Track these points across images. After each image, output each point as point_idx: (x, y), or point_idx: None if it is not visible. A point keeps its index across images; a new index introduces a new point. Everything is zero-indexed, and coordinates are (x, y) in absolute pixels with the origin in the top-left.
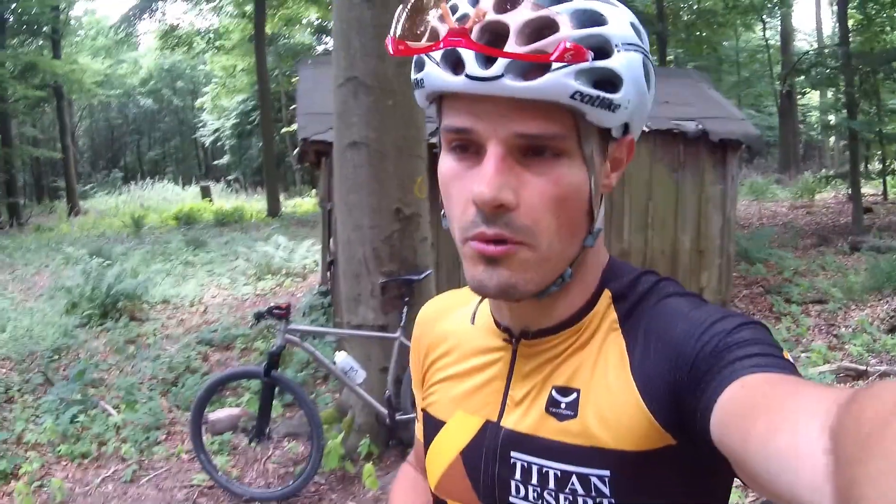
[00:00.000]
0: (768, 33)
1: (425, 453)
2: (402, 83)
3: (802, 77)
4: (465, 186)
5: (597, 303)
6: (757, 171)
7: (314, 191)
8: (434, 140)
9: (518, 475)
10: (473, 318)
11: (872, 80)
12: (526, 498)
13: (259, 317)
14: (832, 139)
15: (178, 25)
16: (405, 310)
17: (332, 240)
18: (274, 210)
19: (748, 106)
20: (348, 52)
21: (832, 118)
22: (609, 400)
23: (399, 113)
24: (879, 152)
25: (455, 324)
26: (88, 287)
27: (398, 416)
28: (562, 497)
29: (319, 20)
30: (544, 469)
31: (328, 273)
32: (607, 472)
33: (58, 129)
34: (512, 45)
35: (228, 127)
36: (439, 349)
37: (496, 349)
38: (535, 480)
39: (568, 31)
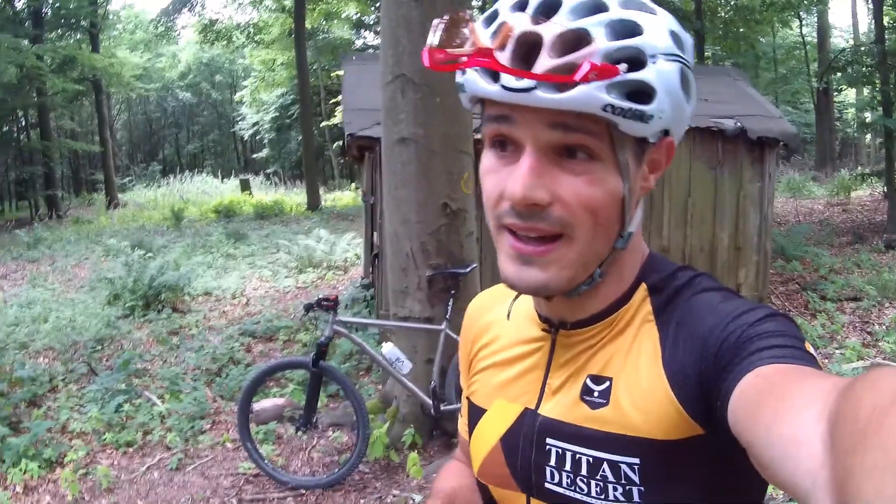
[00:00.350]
0: (805, 30)
1: (469, 440)
2: (449, 81)
3: (839, 74)
4: (500, 180)
5: (633, 295)
6: (794, 168)
7: (353, 184)
8: (479, 136)
9: (553, 461)
10: (509, 314)
11: None
12: (560, 484)
13: (308, 308)
14: (868, 136)
15: (217, 20)
16: (451, 302)
17: (375, 233)
18: (314, 203)
19: (785, 103)
20: (396, 50)
21: (868, 116)
22: (640, 389)
23: (446, 110)
24: None
25: (500, 316)
26: (131, 279)
27: (443, 407)
28: (593, 483)
29: (359, 15)
30: (577, 455)
31: (371, 266)
32: (637, 460)
33: (96, 122)
34: (544, 58)
35: (267, 120)
36: (484, 339)
37: (536, 339)
38: (568, 466)
39: (602, 44)
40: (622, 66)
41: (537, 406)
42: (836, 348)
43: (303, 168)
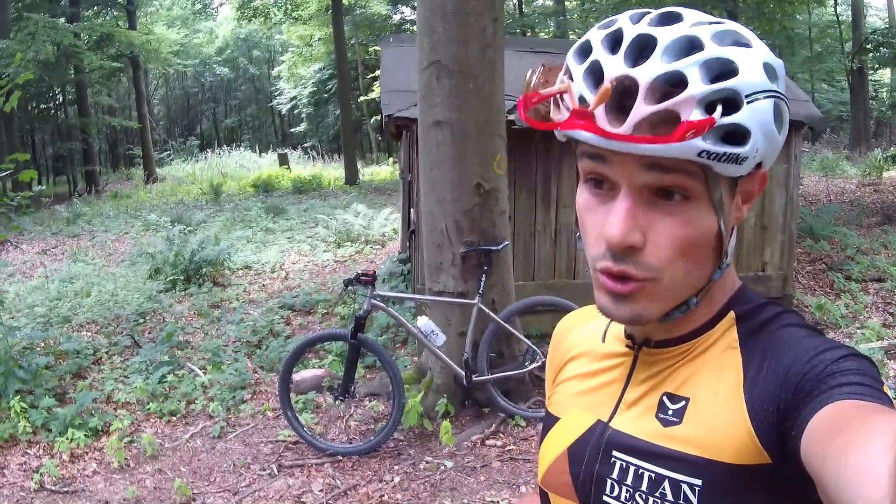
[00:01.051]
0: (840, 8)
1: (539, 447)
2: (483, 67)
3: (870, 55)
4: (598, 221)
5: (719, 321)
6: (828, 147)
7: (391, 158)
8: (512, 117)
9: (616, 474)
10: (604, 336)
11: None
12: (618, 498)
13: (348, 283)
14: None
15: None
16: (483, 278)
17: (412, 210)
18: (352, 178)
19: (820, 80)
20: (432, 37)
21: None
22: (716, 412)
23: (480, 95)
24: None
25: (588, 333)
26: (171, 253)
27: (474, 378)
28: (651, 500)
29: None
30: (640, 470)
31: (408, 241)
32: (699, 482)
33: (133, 97)
34: (640, 105)
35: (305, 95)
36: (571, 353)
37: (619, 355)
38: (629, 481)
39: (697, 89)
40: (717, 112)
41: (610, 419)
42: (858, 328)
43: (341, 142)
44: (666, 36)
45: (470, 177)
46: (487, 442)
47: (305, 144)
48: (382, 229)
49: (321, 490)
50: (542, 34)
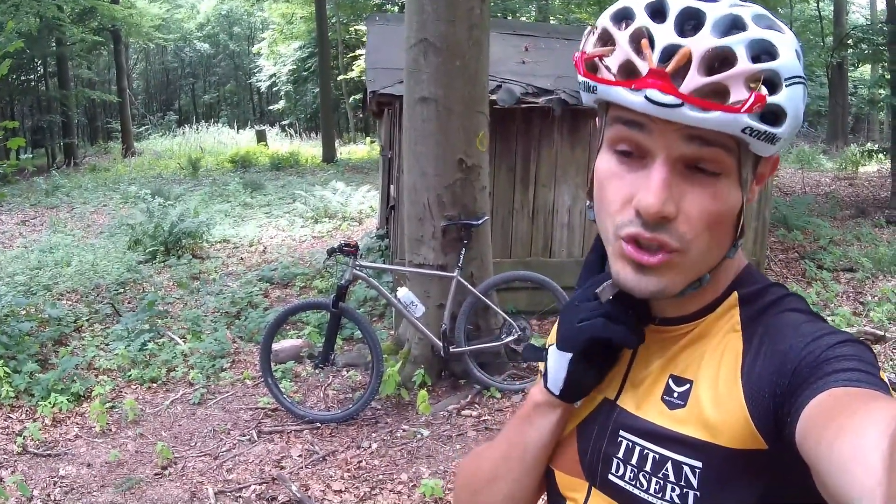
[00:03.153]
0: (821, 4)
1: None
2: (469, 46)
3: (850, 51)
4: (625, 188)
5: (723, 301)
6: (805, 141)
7: (368, 137)
8: (495, 97)
9: (621, 453)
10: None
11: None
12: (623, 477)
13: (331, 252)
14: (882, 113)
15: None
16: (463, 251)
17: (392, 186)
18: (329, 156)
19: None
20: (421, 16)
21: (882, 91)
22: (716, 395)
23: (465, 73)
24: None
25: None
26: (151, 225)
27: (452, 349)
28: (654, 480)
29: None
30: (645, 451)
31: (387, 218)
32: (699, 464)
33: (113, 71)
34: (693, 75)
35: (284, 73)
36: None
37: None
38: (634, 461)
39: (745, 65)
40: (764, 90)
41: (616, 397)
42: (829, 315)
43: (319, 121)
44: (713, 11)
45: (453, 152)
46: (463, 412)
47: (283, 122)
48: (360, 206)
49: (300, 455)
50: (524, 18)
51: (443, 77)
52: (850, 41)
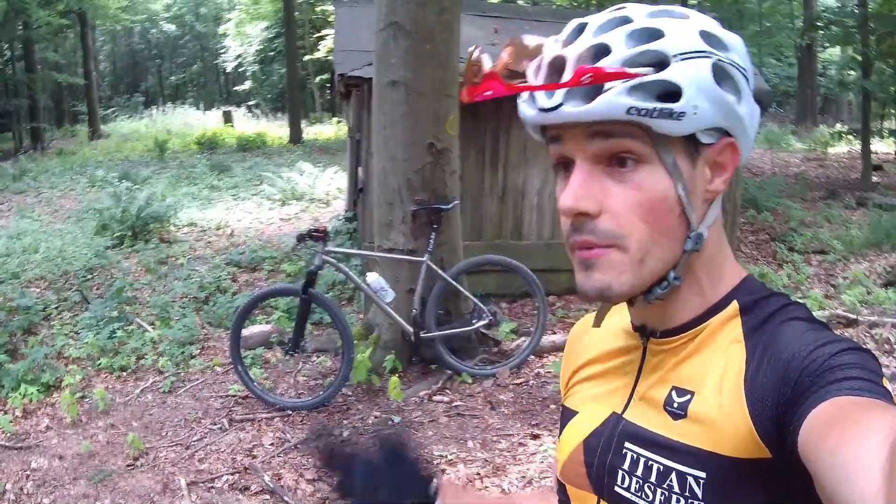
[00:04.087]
0: None
1: (558, 441)
2: (440, 29)
3: (820, 32)
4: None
5: (722, 310)
6: (774, 121)
7: (335, 118)
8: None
9: (627, 465)
10: (598, 321)
11: (890, 42)
12: (628, 489)
13: (300, 238)
14: (851, 95)
15: None
16: (433, 236)
17: (360, 168)
18: (296, 137)
19: (768, 56)
20: None
21: (852, 73)
22: (718, 405)
23: (435, 56)
24: (894, 112)
25: (602, 334)
26: (119, 210)
27: (422, 335)
28: (658, 492)
29: None
30: (650, 462)
31: (355, 200)
32: (703, 474)
33: (80, 54)
34: (567, 75)
35: (251, 53)
36: (586, 356)
37: (630, 348)
38: (640, 472)
39: (620, 53)
40: (645, 70)
41: (623, 410)
42: (800, 298)
43: (285, 101)
44: (598, 19)
45: (423, 136)
46: (434, 398)
47: (250, 102)
48: (327, 188)
49: (272, 444)
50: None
51: (413, 60)
52: (820, 23)
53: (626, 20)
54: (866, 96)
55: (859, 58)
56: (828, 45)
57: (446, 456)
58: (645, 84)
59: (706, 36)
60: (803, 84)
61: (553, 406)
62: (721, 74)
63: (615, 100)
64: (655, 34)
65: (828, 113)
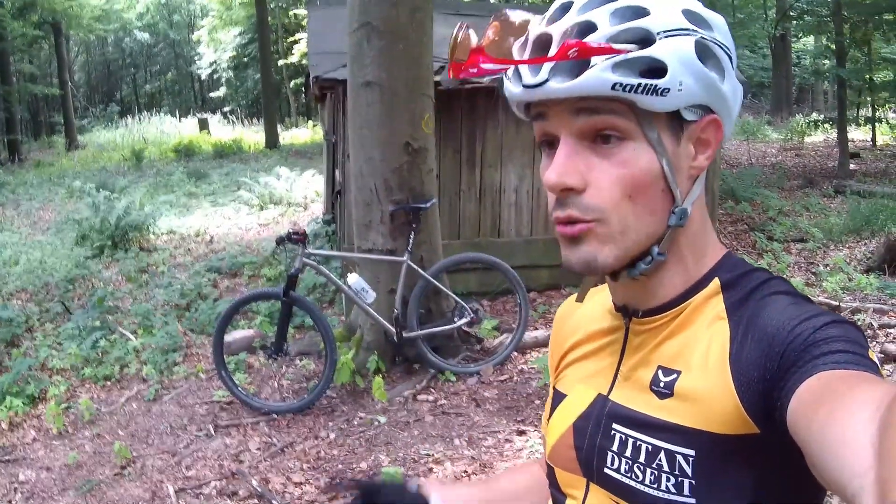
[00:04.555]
0: None
1: (548, 425)
2: (413, 29)
3: (794, 22)
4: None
5: (704, 287)
6: (750, 112)
7: (310, 122)
8: (439, 79)
9: (615, 446)
10: (581, 296)
11: (864, 30)
12: (618, 470)
13: (280, 241)
14: (826, 84)
15: None
16: (412, 235)
17: (337, 171)
18: (272, 142)
19: (742, 47)
20: None
21: (827, 62)
22: (704, 383)
23: (409, 55)
24: (870, 99)
25: (588, 314)
26: (97, 219)
27: (405, 334)
28: (648, 471)
29: None
30: (638, 442)
31: (333, 203)
32: (692, 452)
33: (55, 64)
34: (553, 52)
35: (225, 60)
36: (574, 337)
37: (614, 329)
38: (628, 453)
39: (605, 30)
40: (630, 46)
41: (609, 391)
42: None
43: (260, 106)
44: None
45: (399, 136)
46: (419, 397)
47: (225, 109)
48: (305, 192)
49: (258, 448)
50: None
51: (386, 60)
52: (793, 13)
53: None
54: (841, 84)
55: (833, 46)
56: (801, 34)
57: (433, 455)
58: (630, 60)
59: (690, 14)
60: (778, 74)
61: (538, 402)
62: (705, 52)
63: (600, 75)
64: (640, 12)
65: (803, 103)
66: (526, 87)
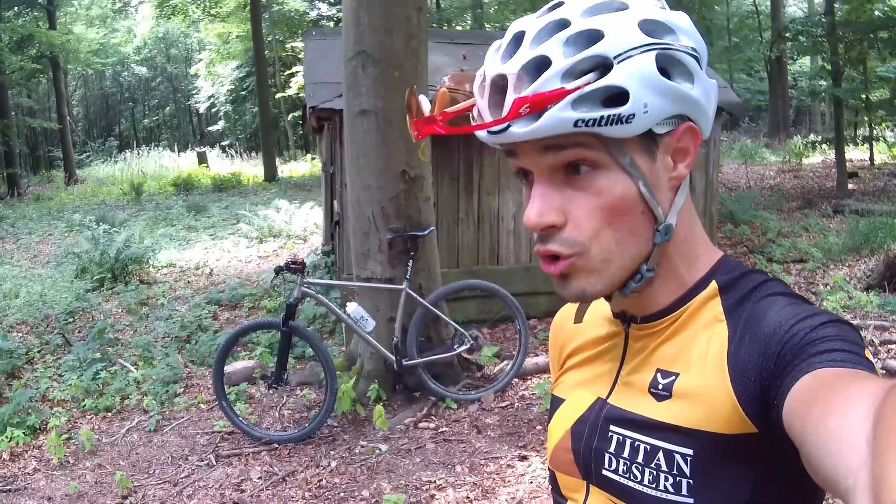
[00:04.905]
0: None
1: (548, 430)
2: (407, 56)
3: (789, 44)
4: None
5: (700, 291)
6: (747, 135)
7: (309, 154)
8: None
9: (613, 448)
10: (579, 317)
11: (859, 49)
12: (616, 471)
13: (278, 271)
14: (823, 104)
15: None
16: (410, 263)
17: (335, 201)
18: (271, 174)
19: (738, 70)
20: (357, 28)
21: (823, 83)
22: (703, 383)
23: (404, 83)
24: (867, 118)
25: (584, 320)
26: (97, 253)
27: (405, 362)
28: (646, 471)
29: None
30: (636, 443)
31: (332, 234)
32: (690, 451)
33: (53, 98)
34: (510, 96)
35: (223, 93)
36: (572, 344)
37: (613, 335)
38: (626, 453)
39: (560, 64)
40: (588, 77)
41: (608, 395)
42: None
43: (259, 140)
44: (535, 25)
45: (396, 164)
46: (420, 424)
47: (223, 143)
48: (304, 224)
49: (260, 478)
50: (459, 27)
51: (382, 89)
52: (788, 34)
53: (563, 24)
54: (838, 104)
55: (829, 67)
56: (797, 55)
57: (435, 482)
58: (589, 93)
59: (647, 24)
60: (775, 97)
61: (540, 427)
62: (668, 63)
63: (560, 115)
64: (594, 36)
65: (801, 124)
66: (489, 132)
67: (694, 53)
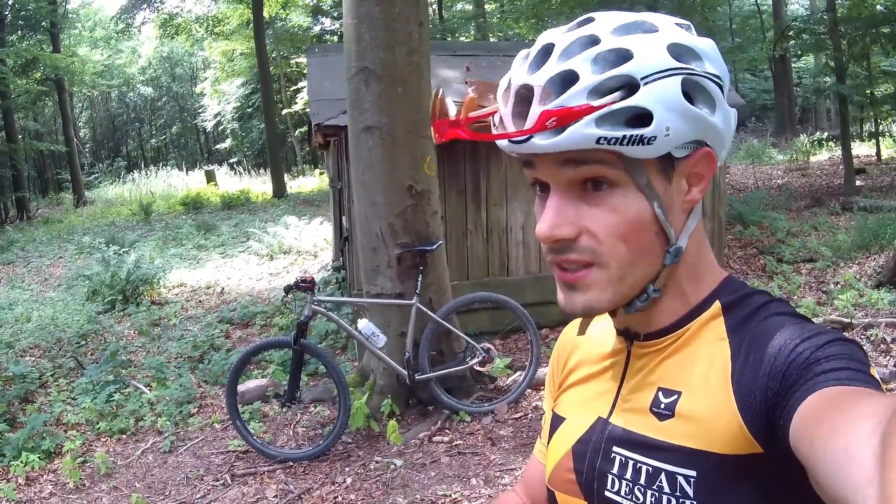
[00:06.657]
0: None
1: (546, 456)
2: (410, 71)
3: (792, 42)
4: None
5: (704, 311)
6: (754, 135)
7: (317, 170)
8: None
9: (616, 469)
10: (582, 330)
11: (862, 45)
12: (619, 492)
13: (288, 290)
14: (829, 101)
15: (176, 14)
16: (420, 278)
17: (344, 217)
18: (280, 191)
19: (743, 70)
20: (359, 44)
21: (828, 80)
22: (706, 403)
23: (408, 98)
24: (872, 114)
25: (588, 337)
26: (108, 274)
27: (417, 377)
28: (649, 493)
29: (316, 1)
30: (638, 464)
31: (341, 249)
32: (693, 473)
33: (59, 121)
34: (535, 107)
35: (229, 111)
36: (573, 360)
37: (615, 353)
38: (629, 475)
39: (588, 80)
40: (614, 95)
41: (609, 415)
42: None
43: (266, 157)
44: (565, 40)
45: (402, 179)
46: (434, 438)
47: (231, 160)
48: (314, 240)
49: (275, 496)
50: (463, 38)
51: (385, 104)
52: (791, 33)
53: (593, 41)
54: (843, 101)
55: (832, 63)
56: (801, 53)
57: (450, 495)
58: (614, 112)
59: (676, 49)
60: (780, 95)
61: None
62: (693, 88)
63: (584, 131)
64: (623, 55)
65: (807, 122)
66: (511, 142)
67: (718, 81)
